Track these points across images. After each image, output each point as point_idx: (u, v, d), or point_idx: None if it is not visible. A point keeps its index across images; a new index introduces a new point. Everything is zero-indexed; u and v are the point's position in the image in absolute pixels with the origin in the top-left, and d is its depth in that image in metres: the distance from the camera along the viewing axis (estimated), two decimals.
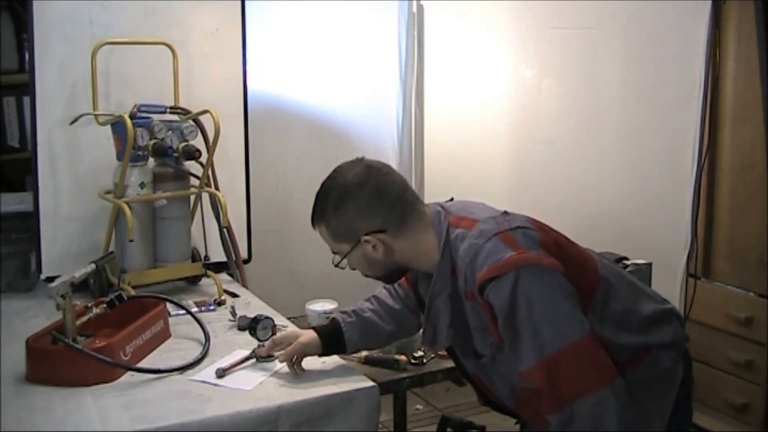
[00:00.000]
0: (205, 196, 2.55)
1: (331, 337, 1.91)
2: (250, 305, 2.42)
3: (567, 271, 1.60)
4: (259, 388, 1.81)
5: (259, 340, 2.03)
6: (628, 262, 2.43)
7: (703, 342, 3.05)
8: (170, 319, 2.17)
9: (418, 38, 3.58)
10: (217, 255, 2.67)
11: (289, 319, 2.29)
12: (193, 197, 2.55)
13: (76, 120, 2.50)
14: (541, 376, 1.54)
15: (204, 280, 2.58)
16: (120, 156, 2.39)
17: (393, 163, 3.51)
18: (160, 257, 2.50)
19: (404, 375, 2.08)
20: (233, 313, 2.27)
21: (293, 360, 1.87)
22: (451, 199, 1.85)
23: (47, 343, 1.84)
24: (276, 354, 1.90)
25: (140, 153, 2.40)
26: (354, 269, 1.81)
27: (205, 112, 2.46)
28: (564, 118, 3.38)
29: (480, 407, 1.98)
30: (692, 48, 2.97)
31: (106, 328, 1.98)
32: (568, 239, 1.72)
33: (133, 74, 2.61)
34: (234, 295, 2.50)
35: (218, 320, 2.27)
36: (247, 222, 2.85)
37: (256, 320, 2.08)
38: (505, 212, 1.72)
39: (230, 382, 1.84)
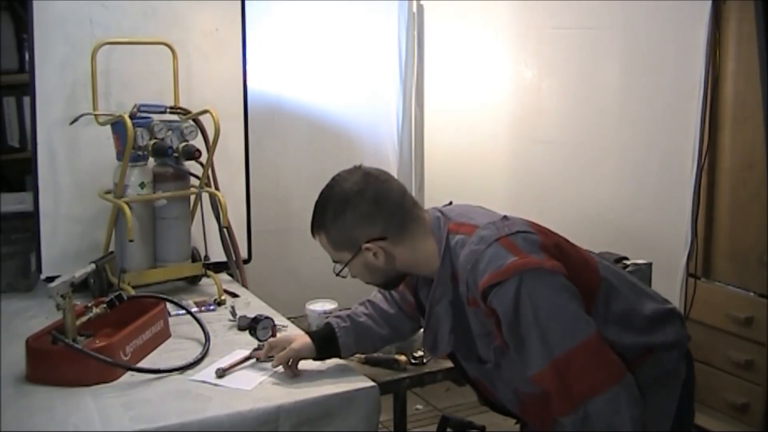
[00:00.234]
0: (205, 196, 2.55)
1: (325, 342, 1.90)
2: (250, 305, 2.42)
3: (569, 273, 1.60)
4: (259, 388, 1.81)
5: (259, 340, 2.03)
6: (628, 262, 2.43)
7: (703, 342, 3.05)
8: (170, 319, 2.17)
9: (418, 38, 3.58)
10: (217, 255, 2.67)
11: (289, 319, 2.29)
12: (193, 197, 2.55)
13: (76, 120, 2.50)
14: (551, 379, 1.54)
15: (204, 280, 2.58)
16: (120, 156, 2.39)
17: (393, 164, 3.52)
18: (160, 257, 2.50)
19: (404, 375, 2.08)
20: (233, 313, 2.27)
21: (288, 363, 1.86)
22: (450, 203, 1.85)
23: (47, 343, 1.84)
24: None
25: (140, 153, 2.40)
26: (355, 277, 1.81)
27: (205, 112, 2.46)
28: (564, 118, 3.38)
29: (480, 407, 1.98)
30: (692, 48, 2.97)
31: (106, 328, 1.98)
32: (568, 241, 1.72)
33: (133, 74, 2.61)
34: (234, 295, 2.50)
35: (218, 320, 2.27)
36: (247, 222, 2.85)
37: (256, 320, 2.09)
38: (505, 217, 1.71)
39: (230, 382, 1.84)
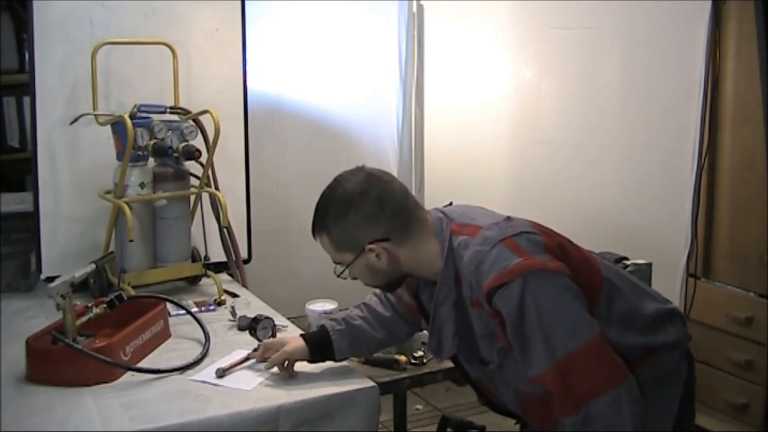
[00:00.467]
0: (205, 196, 2.55)
1: (320, 345, 1.89)
2: (250, 305, 2.42)
3: (572, 273, 1.60)
4: (259, 388, 1.81)
5: (259, 340, 2.03)
6: (628, 262, 2.43)
7: (703, 342, 3.05)
8: (170, 319, 2.17)
9: (418, 38, 3.58)
10: (217, 255, 2.67)
11: (289, 319, 2.29)
12: (193, 197, 2.55)
13: (76, 120, 2.50)
14: (554, 379, 1.54)
15: (204, 280, 2.58)
16: (120, 156, 2.39)
17: (393, 164, 3.52)
18: (160, 257, 2.50)
19: (404, 375, 2.08)
20: (233, 313, 2.27)
21: (284, 365, 1.86)
22: (450, 204, 1.85)
23: (47, 343, 1.84)
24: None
25: (140, 153, 2.40)
26: (355, 279, 1.80)
27: (205, 112, 2.46)
28: (564, 118, 3.38)
29: (480, 407, 1.98)
30: (692, 48, 2.97)
31: (106, 328, 1.98)
32: (570, 242, 1.72)
33: (133, 74, 2.61)
34: (234, 295, 2.50)
35: (218, 320, 2.27)
36: (247, 222, 2.85)
37: (256, 320, 2.09)
38: (508, 217, 1.71)
39: (230, 382, 1.84)
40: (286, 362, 1.86)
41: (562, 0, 3.26)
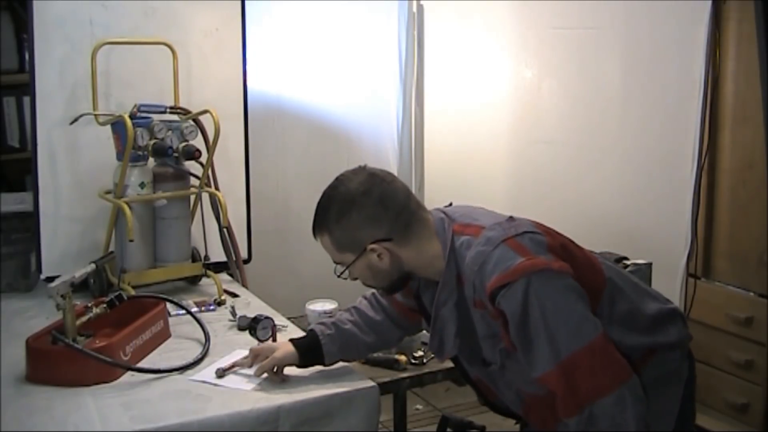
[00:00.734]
0: (205, 196, 2.56)
1: (309, 350, 1.87)
2: (250, 305, 2.42)
3: (575, 273, 1.60)
4: (259, 388, 1.81)
5: (259, 340, 2.03)
6: (628, 262, 2.43)
7: (703, 342, 3.05)
8: (170, 319, 2.17)
9: (418, 38, 3.58)
10: (217, 255, 2.67)
11: (289, 319, 2.29)
12: (193, 197, 2.55)
13: (76, 120, 2.50)
14: (558, 380, 1.54)
15: (204, 280, 2.58)
16: (120, 156, 2.39)
17: (393, 164, 3.52)
18: (160, 257, 2.50)
19: (404, 375, 2.08)
20: (233, 313, 2.27)
21: (274, 370, 1.84)
22: (449, 204, 1.84)
23: (47, 343, 1.84)
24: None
25: (140, 153, 2.40)
26: (355, 279, 1.79)
27: (205, 112, 2.46)
28: (564, 118, 3.38)
29: (480, 407, 1.98)
30: (692, 48, 2.97)
31: (106, 328, 1.98)
32: (573, 242, 1.72)
33: (133, 74, 2.61)
34: (234, 295, 2.50)
35: (218, 320, 2.27)
36: (247, 222, 2.85)
37: (256, 320, 2.09)
38: (511, 217, 1.71)
39: (230, 382, 1.84)
40: (276, 368, 1.84)
41: (563, 0, 3.26)
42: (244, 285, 2.66)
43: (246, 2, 2.80)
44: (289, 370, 1.87)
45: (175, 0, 2.68)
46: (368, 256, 1.71)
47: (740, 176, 3.07)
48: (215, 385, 1.82)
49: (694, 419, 1.82)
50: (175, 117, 2.51)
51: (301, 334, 1.98)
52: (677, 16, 3.01)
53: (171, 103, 2.55)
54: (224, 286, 2.50)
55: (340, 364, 1.94)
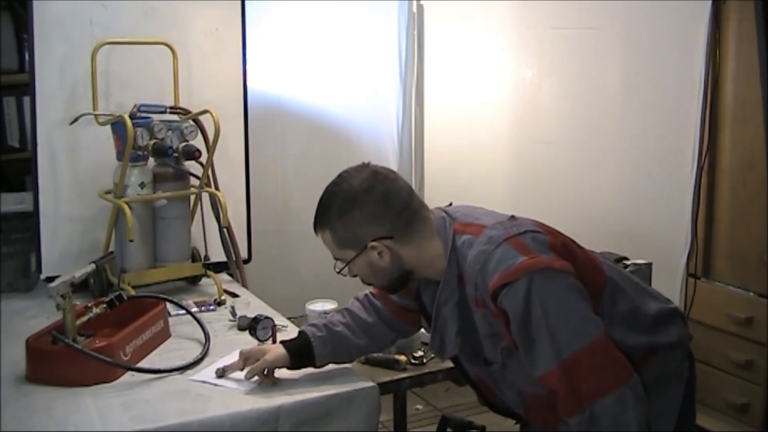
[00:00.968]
0: (205, 196, 2.55)
1: (300, 352, 1.86)
2: (250, 305, 2.42)
3: (577, 272, 1.60)
4: (259, 388, 1.81)
5: (259, 340, 2.03)
6: (628, 262, 2.43)
7: (703, 342, 3.05)
8: (170, 319, 2.17)
9: (418, 38, 3.58)
10: (217, 255, 2.67)
11: (289, 319, 2.29)
12: (193, 197, 2.55)
13: (76, 120, 2.50)
14: (559, 379, 1.54)
15: (204, 280, 2.58)
16: (120, 156, 2.39)
17: (393, 164, 3.52)
18: (160, 257, 2.50)
19: (404, 375, 2.08)
20: (233, 313, 2.27)
21: (264, 373, 1.83)
22: (450, 204, 1.84)
23: (47, 343, 1.84)
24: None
25: (140, 153, 2.40)
26: (355, 276, 1.78)
27: (205, 112, 2.46)
28: (564, 118, 3.38)
29: (480, 407, 1.98)
30: (692, 48, 2.97)
31: (106, 328, 1.98)
32: (574, 241, 1.72)
33: (133, 74, 2.61)
34: (234, 295, 2.50)
35: (218, 320, 2.27)
36: (247, 222, 2.85)
37: (256, 320, 2.09)
38: (512, 216, 1.71)
39: (230, 382, 1.83)
40: (266, 370, 1.83)
41: (563, 0, 3.26)
42: (244, 285, 2.66)
43: (246, 2, 2.80)
44: (285, 372, 1.87)
45: (175, 0, 2.67)
46: (369, 253, 1.71)
47: (740, 176, 3.07)
48: (215, 385, 1.82)
49: (694, 419, 1.82)
50: (175, 117, 2.51)
51: None
52: (677, 16, 3.01)
53: (171, 103, 2.55)
54: (224, 286, 2.50)
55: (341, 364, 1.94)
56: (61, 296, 1.84)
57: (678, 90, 3.04)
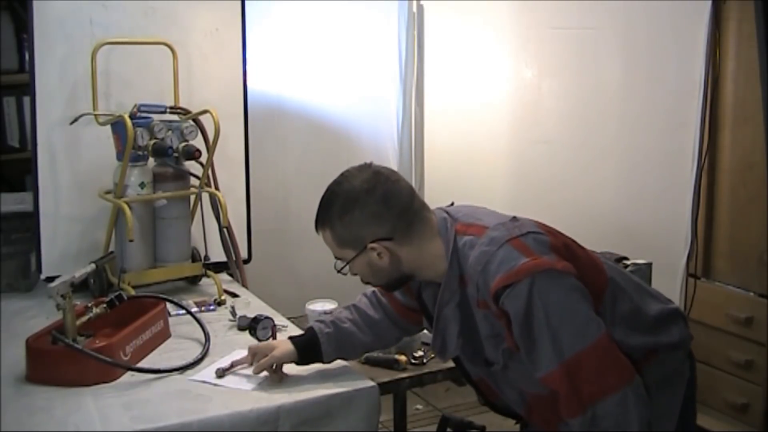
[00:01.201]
0: (205, 196, 2.55)
1: (308, 348, 1.87)
2: (250, 305, 2.42)
3: (578, 273, 1.60)
4: (259, 388, 1.81)
5: (259, 340, 2.03)
6: (628, 262, 2.43)
7: (703, 342, 3.05)
8: (170, 319, 2.17)
9: (418, 38, 3.58)
10: (217, 255, 2.67)
11: (289, 319, 2.29)
12: (193, 197, 2.55)
13: (76, 120, 2.50)
14: (561, 380, 1.54)
15: (204, 280, 2.58)
16: (120, 156, 2.39)
17: (393, 164, 3.52)
18: (160, 257, 2.50)
19: (404, 375, 2.08)
20: (233, 313, 2.27)
21: (273, 368, 1.84)
22: (451, 204, 1.84)
23: (47, 343, 1.84)
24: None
25: (140, 153, 2.40)
26: (355, 275, 1.79)
27: (205, 112, 2.46)
28: (564, 118, 3.38)
29: (480, 407, 1.98)
30: (692, 48, 2.97)
31: (106, 328, 1.98)
32: (575, 242, 1.72)
33: (133, 74, 2.61)
34: (234, 295, 2.50)
35: (218, 320, 2.27)
36: (247, 222, 2.85)
37: (256, 320, 2.09)
38: (514, 217, 1.71)
39: (230, 382, 1.84)
40: (274, 365, 1.84)
41: (562, 0, 3.26)
42: (244, 285, 2.66)
43: (246, 2, 2.80)
44: (289, 369, 1.87)
45: (175, 0, 2.67)
46: (368, 254, 1.71)
47: (740, 176, 3.07)
48: (215, 385, 1.82)
49: (695, 419, 1.82)
50: (175, 117, 2.51)
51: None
52: (677, 16, 3.01)
53: (171, 103, 2.55)
54: (224, 286, 2.50)
55: (341, 363, 1.94)
56: (61, 296, 1.84)
57: (678, 90, 3.04)
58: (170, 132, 2.41)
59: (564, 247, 1.65)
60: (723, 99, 3.08)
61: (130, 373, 1.85)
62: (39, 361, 1.84)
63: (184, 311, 2.18)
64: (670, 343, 1.71)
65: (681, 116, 3.04)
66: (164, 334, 2.09)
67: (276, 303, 2.44)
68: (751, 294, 3.06)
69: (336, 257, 1.77)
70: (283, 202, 3.32)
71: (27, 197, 2.67)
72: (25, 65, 2.82)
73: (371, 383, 1.85)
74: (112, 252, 2.44)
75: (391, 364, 2.09)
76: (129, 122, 2.31)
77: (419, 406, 3.66)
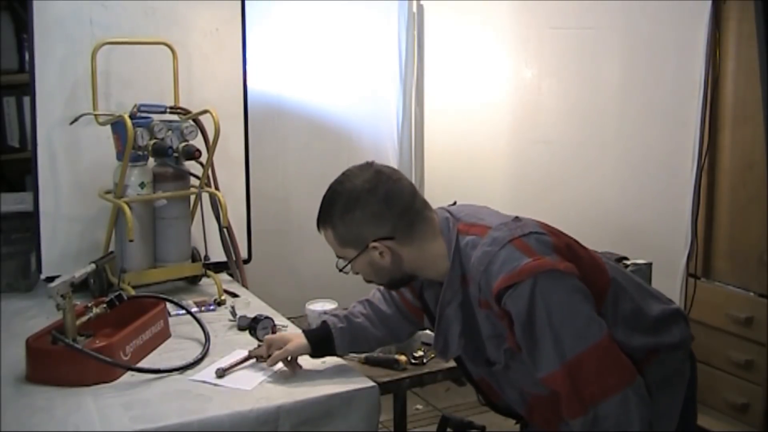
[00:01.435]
0: (205, 196, 2.55)
1: (322, 342, 1.89)
2: (250, 305, 2.42)
3: (580, 274, 1.60)
4: (259, 388, 1.81)
5: (259, 340, 2.03)
6: (628, 262, 2.43)
7: (703, 342, 3.04)
8: (170, 319, 2.17)
9: (418, 38, 3.58)
10: (217, 255, 2.67)
11: (289, 319, 2.29)
12: (193, 197, 2.55)
13: (76, 120, 2.50)
14: (563, 381, 1.54)
15: (204, 280, 2.58)
16: (120, 156, 2.39)
17: (393, 164, 3.52)
18: (160, 257, 2.50)
19: (404, 375, 2.08)
20: (233, 313, 2.27)
21: (288, 359, 1.86)
22: (454, 203, 1.84)
23: (47, 343, 1.84)
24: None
25: (140, 153, 2.40)
26: (357, 274, 1.79)
27: (205, 112, 2.46)
28: (564, 118, 3.38)
29: (480, 407, 1.99)
30: (692, 48, 2.97)
31: (106, 328, 1.98)
32: (577, 242, 1.72)
33: (133, 74, 2.61)
34: (234, 295, 2.50)
35: (218, 320, 2.27)
36: (247, 222, 2.85)
37: (256, 320, 2.09)
38: (517, 217, 1.71)
39: (230, 382, 1.84)
40: (289, 357, 1.86)
41: (562, 0, 3.25)
42: (244, 285, 2.66)
43: (246, 2, 2.80)
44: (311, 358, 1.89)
45: (175, 0, 2.67)
46: (370, 253, 1.71)
47: (740, 176, 3.07)
48: (215, 385, 1.82)
49: (695, 420, 1.82)
50: (175, 117, 2.51)
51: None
52: (677, 16, 3.01)
53: (171, 103, 2.55)
54: (224, 286, 2.50)
55: (341, 363, 1.94)
56: (61, 296, 1.84)
57: (678, 90, 3.04)
58: (170, 132, 2.41)
59: (566, 247, 1.65)
60: (723, 99, 3.08)
61: (130, 373, 1.85)
62: (39, 361, 1.84)
63: (184, 311, 2.18)
64: (671, 343, 1.71)
65: (681, 116, 3.03)
66: (164, 334, 2.09)
67: (276, 303, 2.44)
68: (751, 294, 3.06)
69: (338, 256, 1.77)
70: (283, 202, 3.32)
71: (27, 197, 2.67)
72: (25, 65, 2.82)
73: (371, 383, 1.85)
74: (112, 252, 2.44)
75: (391, 364, 2.09)
76: (129, 122, 2.31)
77: (419, 406, 3.66)
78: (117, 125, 2.38)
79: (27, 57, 2.62)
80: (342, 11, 3.36)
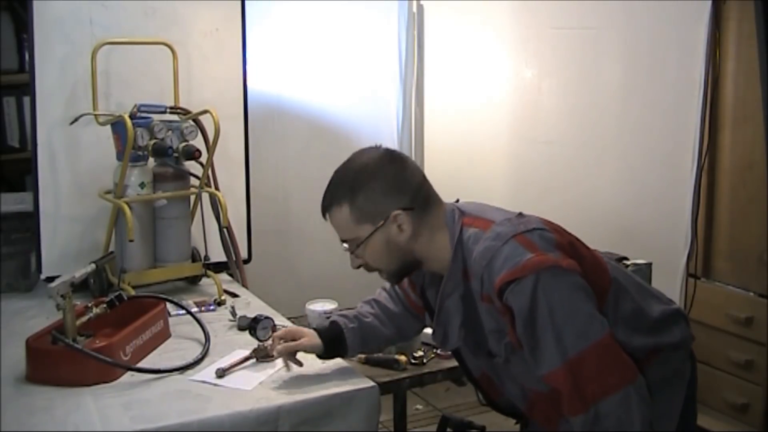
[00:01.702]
0: (205, 196, 2.55)
1: (333, 343, 1.89)
2: (250, 305, 2.42)
3: (583, 272, 1.60)
4: (259, 388, 1.81)
5: (259, 340, 2.03)
6: (628, 262, 2.43)
7: (703, 342, 3.03)
8: (170, 319, 2.17)
9: (418, 38, 3.58)
10: (217, 255, 2.67)
11: (289, 319, 2.29)
12: (193, 197, 2.55)
13: (76, 120, 2.50)
14: (564, 379, 1.54)
15: (204, 280, 2.58)
16: (120, 156, 2.39)
17: None
18: (160, 257, 2.50)
19: (404, 375, 2.08)
20: (233, 313, 2.27)
21: (294, 354, 1.86)
22: (457, 201, 1.84)
23: (47, 343, 1.84)
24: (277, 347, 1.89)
25: (140, 153, 2.40)
26: (360, 267, 1.75)
27: (205, 112, 2.46)
28: (564, 118, 3.38)
29: (480, 407, 1.98)
30: (692, 48, 2.97)
31: (106, 328, 1.98)
32: (580, 240, 1.72)
33: (133, 74, 2.61)
34: (234, 295, 2.50)
35: (218, 320, 2.27)
36: (247, 222, 2.85)
37: (256, 320, 2.09)
38: (520, 214, 1.70)
39: (230, 382, 1.84)
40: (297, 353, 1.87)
41: (562, 0, 3.26)
42: (244, 285, 2.66)
43: (246, 2, 2.80)
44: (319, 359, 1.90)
45: (175, 0, 2.68)
46: (388, 228, 1.67)
47: (740, 176, 3.07)
48: (215, 385, 1.82)
49: (695, 420, 1.82)
50: (175, 117, 2.51)
51: None
52: (677, 16, 3.01)
53: (171, 103, 2.55)
54: (224, 286, 2.50)
55: (341, 363, 1.94)
56: (61, 296, 1.84)
57: (678, 90, 3.04)
58: (170, 132, 2.41)
59: (569, 245, 1.65)
60: (723, 99, 3.08)
61: (130, 373, 1.85)
62: (39, 361, 1.84)
63: (184, 311, 2.18)
64: (672, 343, 1.71)
65: (681, 116, 3.03)
66: (164, 334, 2.09)
67: (276, 303, 2.44)
68: (751, 294, 3.06)
69: (346, 239, 1.72)
70: (283, 202, 3.32)
71: (27, 197, 2.67)
72: (25, 65, 2.82)
73: (371, 383, 1.85)
74: (112, 252, 2.44)
75: (391, 364, 2.09)
76: (129, 122, 2.31)
77: (419, 406, 3.66)
78: (117, 125, 2.38)
79: (27, 57, 2.62)
80: (342, 11, 3.36)
